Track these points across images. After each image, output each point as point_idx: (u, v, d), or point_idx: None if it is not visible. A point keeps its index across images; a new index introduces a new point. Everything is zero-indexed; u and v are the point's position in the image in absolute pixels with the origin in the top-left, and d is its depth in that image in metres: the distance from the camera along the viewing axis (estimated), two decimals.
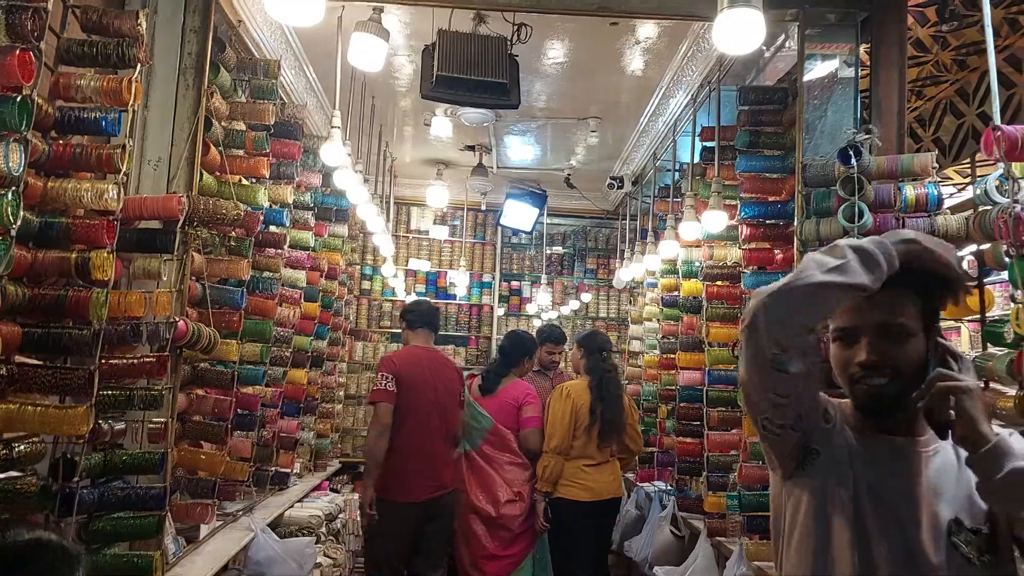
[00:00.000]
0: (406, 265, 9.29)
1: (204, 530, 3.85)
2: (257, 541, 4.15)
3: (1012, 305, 2.02)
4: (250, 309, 4.08)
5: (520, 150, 7.67)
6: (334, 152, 4.20)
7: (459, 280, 9.00)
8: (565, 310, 9.63)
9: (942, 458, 1.55)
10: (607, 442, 5.18)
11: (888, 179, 3.09)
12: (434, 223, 9.45)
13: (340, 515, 5.78)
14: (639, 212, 7.55)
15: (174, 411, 3.29)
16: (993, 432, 1.42)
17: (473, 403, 5.21)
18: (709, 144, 4.66)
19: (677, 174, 6.07)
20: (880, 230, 2.98)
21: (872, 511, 1.56)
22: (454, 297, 9.34)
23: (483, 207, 8.96)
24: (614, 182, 7.41)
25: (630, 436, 5.33)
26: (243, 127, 4.09)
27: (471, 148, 7.36)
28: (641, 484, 6.20)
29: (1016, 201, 2.13)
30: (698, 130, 4.95)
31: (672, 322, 5.65)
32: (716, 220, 4.29)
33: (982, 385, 1.44)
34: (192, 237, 3.39)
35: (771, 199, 4.00)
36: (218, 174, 3.76)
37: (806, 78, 3.72)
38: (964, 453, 1.47)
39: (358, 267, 8.59)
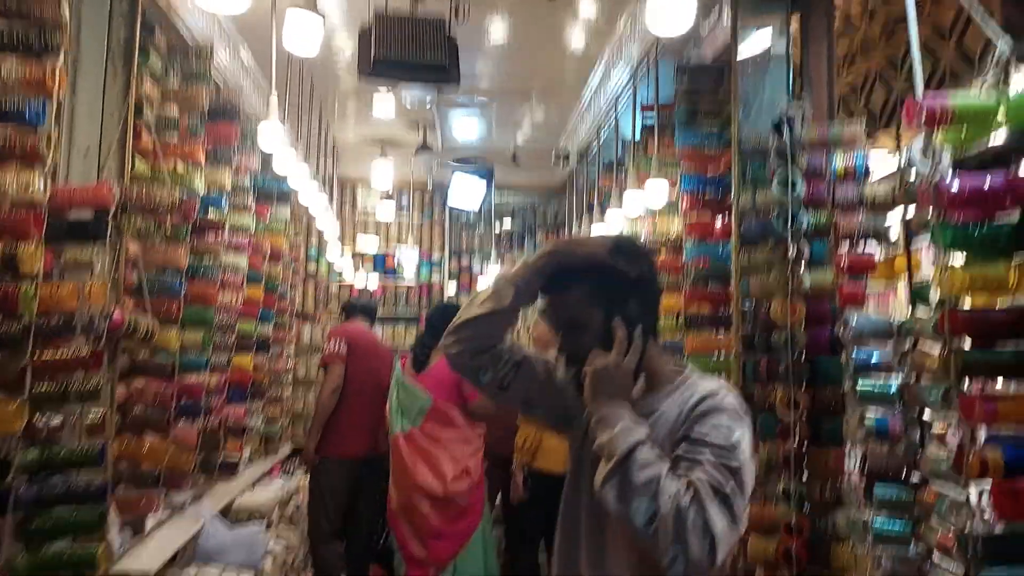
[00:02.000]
0: (354, 245, 9.22)
1: (151, 521, 3.80)
2: (206, 530, 4.12)
3: (935, 268, 2.08)
4: (190, 296, 4.02)
5: (465, 127, 7.62)
6: (271, 134, 4.14)
7: (408, 259, 8.96)
8: None
9: (654, 416, 1.69)
10: None
11: (821, 149, 3.14)
12: (380, 200, 9.38)
13: (293, 499, 5.76)
14: (586, 187, 7.58)
15: (113, 403, 3.24)
16: (605, 405, 1.63)
17: (408, 383, 5.13)
18: (649, 119, 4.69)
19: (620, 149, 6.09)
20: (813, 198, 3.04)
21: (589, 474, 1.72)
22: (403, 277, 9.31)
23: (430, 185, 8.91)
24: (560, 158, 7.41)
25: None
26: (176, 112, 4.01)
27: (415, 126, 7.30)
28: None
29: (938, 168, 2.18)
30: (639, 106, 4.98)
31: None
32: (659, 193, 4.33)
33: (617, 363, 1.68)
34: (126, 225, 3.33)
35: (710, 172, 4.04)
36: (152, 161, 3.69)
37: (742, 52, 3.74)
38: (681, 405, 1.67)
39: (303, 249, 8.50)
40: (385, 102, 6.40)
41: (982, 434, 2.10)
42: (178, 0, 4.09)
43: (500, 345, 1.85)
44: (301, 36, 3.78)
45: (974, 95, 2.07)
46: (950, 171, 2.11)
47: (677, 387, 1.74)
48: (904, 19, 4.43)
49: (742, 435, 1.58)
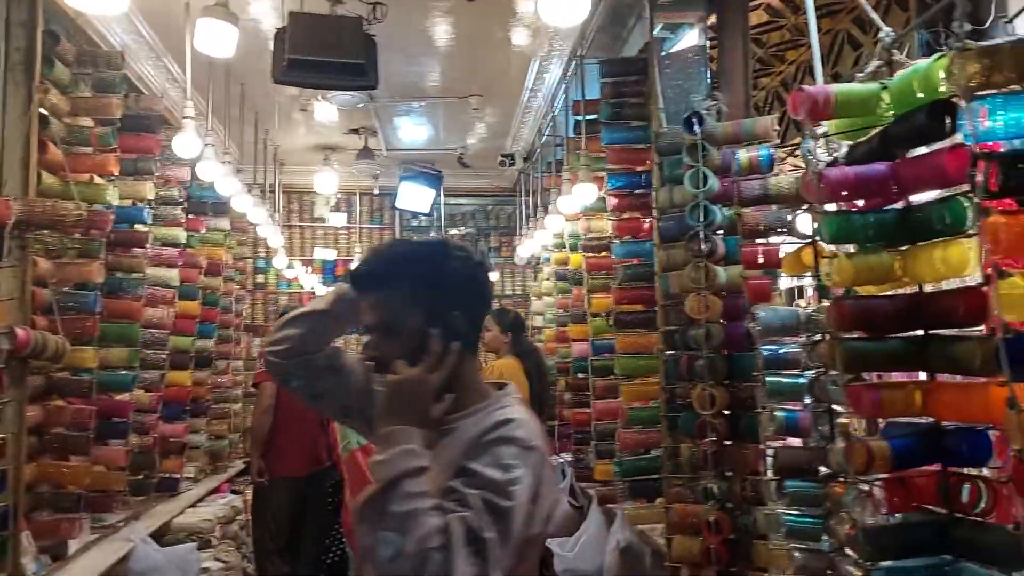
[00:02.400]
0: (311, 255, 9.14)
1: (76, 545, 3.70)
2: (136, 551, 4.02)
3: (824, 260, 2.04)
4: (112, 312, 3.94)
5: (411, 131, 7.56)
6: (188, 143, 4.05)
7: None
8: None
9: (452, 436, 1.58)
10: (545, 418, 5.41)
11: (735, 144, 3.11)
12: (330, 210, 9.28)
13: (239, 516, 5.65)
14: (532, 188, 7.55)
15: (22, 425, 3.13)
16: (394, 422, 1.50)
17: None
18: (580, 118, 4.67)
19: (559, 149, 6.07)
20: (726, 194, 3.01)
21: None
22: None
23: (376, 191, 8.84)
24: (505, 159, 7.37)
25: None
26: (91, 123, 3.91)
27: (355, 132, 7.22)
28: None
29: (835, 158, 2.16)
30: (571, 104, 4.95)
31: (565, 296, 5.68)
32: (586, 193, 4.30)
33: (422, 378, 1.55)
34: (31, 242, 3.24)
35: (638, 169, 4.01)
36: (61, 174, 3.58)
37: (660, 49, 3.72)
38: (476, 429, 1.54)
39: (250, 261, 8.35)
40: (326, 107, 6.33)
41: (880, 426, 2.08)
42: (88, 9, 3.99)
43: (316, 353, 1.78)
44: (215, 40, 3.70)
45: (856, 83, 2.04)
46: (837, 161, 2.08)
47: (482, 409, 1.61)
48: (827, 7, 4.48)
49: (524, 473, 1.45)
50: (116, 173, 3.82)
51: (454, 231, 9.61)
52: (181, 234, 4.92)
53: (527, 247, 7.19)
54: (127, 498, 4.34)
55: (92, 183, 3.80)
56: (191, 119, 4.06)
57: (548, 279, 6.52)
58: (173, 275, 4.81)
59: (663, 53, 3.99)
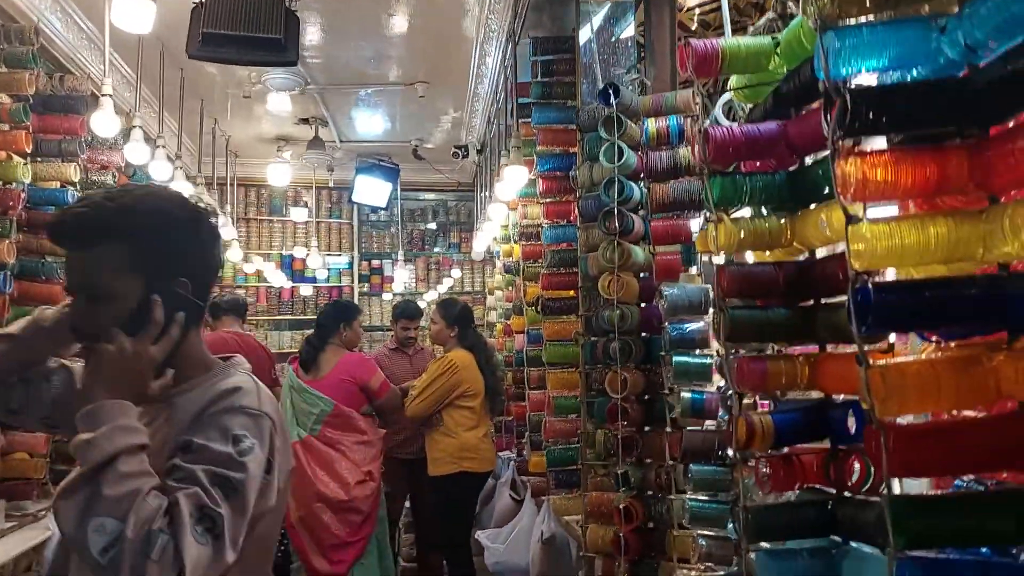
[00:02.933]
0: (269, 249, 9.00)
1: None
2: (53, 540, 3.89)
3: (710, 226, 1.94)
4: (27, 296, 3.80)
5: (366, 122, 7.45)
6: (106, 121, 3.91)
7: (315, 261, 8.75)
8: (442, 288, 9.44)
9: (171, 411, 1.46)
10: (496, 412, 5.34)
11: (656, 117, 3.01)
12: (286, 203, 9.14)
13: None
14: (486, 181, 7.45)
15: None
16: (102, 397, 1.33)
17: (305, 387, 4.92)
18: (516, 101, 4.57)
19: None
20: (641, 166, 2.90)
21: None
22: (314, 279, 9.07)
23: (331, 184, 8.71)
24: (459, 151, 7.26)
25: None
26: (7, 100, 3.78)
27: (306, 121, 7.10)
28: (500, 453, 6.13)
29: (735, 119, 2.07)
30: (510, 87, 4.85)
31: (512, 288, 5.58)
32: (517, 176, 4.19)
33: (139, 351, 1.39)
34: None
35: (571, 150, 3.90)
36: None
37: (585, 24, 3.63)
38: (199, 402, 1.44)
39: None
40: (274, 96, 6.22)
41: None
42: None
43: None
44: (131, 14, 3.59)
45: (747, 37, 1.94)
46: (728, 120, 1.99)
47: (204, 381, 1.50)
48: None
49: (254, 443, 1.38)
50: (29, 150, 3.70)
51: (411, 227, 9.49)
52: None
53: (480, 241, 7.07)
54: (51, 487, 4.22)
55: (7, 161, 3.68)
56: (109, 96, 3.92)
57: (499, 272, 6.42)
58: None
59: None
